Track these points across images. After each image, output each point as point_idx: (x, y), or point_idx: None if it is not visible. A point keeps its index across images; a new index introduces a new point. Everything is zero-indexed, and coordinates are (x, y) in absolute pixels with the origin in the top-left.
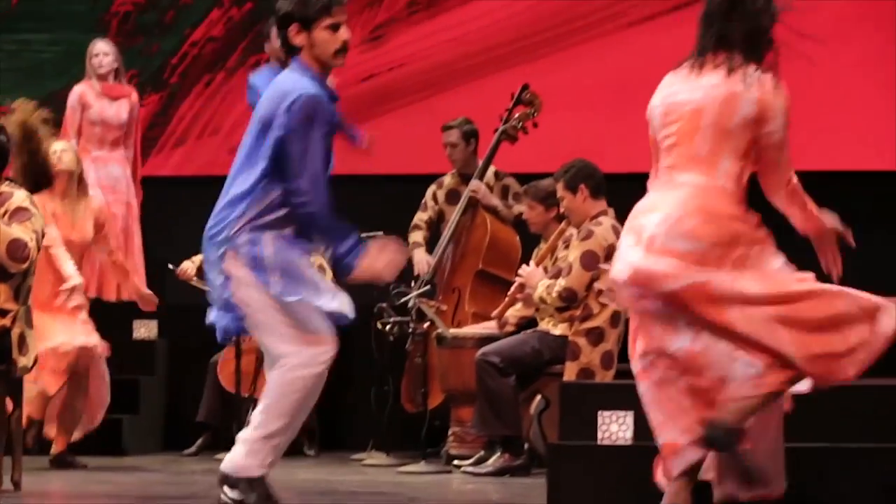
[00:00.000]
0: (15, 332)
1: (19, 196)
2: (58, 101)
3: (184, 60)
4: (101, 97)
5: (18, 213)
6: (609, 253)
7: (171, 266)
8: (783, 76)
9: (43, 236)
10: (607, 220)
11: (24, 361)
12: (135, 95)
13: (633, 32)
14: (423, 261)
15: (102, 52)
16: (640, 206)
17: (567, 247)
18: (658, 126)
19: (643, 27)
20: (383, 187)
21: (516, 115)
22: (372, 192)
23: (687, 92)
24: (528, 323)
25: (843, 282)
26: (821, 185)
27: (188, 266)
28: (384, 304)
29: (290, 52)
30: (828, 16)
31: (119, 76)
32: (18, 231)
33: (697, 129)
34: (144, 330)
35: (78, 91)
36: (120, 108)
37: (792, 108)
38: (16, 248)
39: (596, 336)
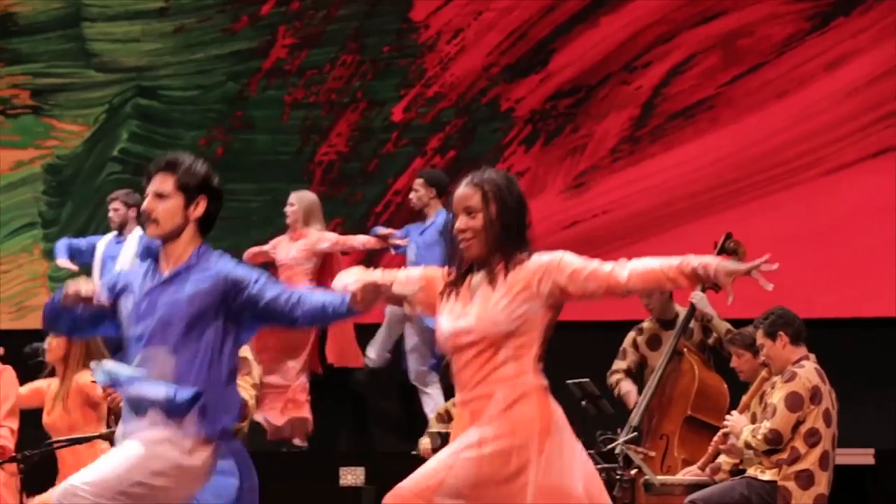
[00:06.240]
0: None
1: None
2: None
3: (388, 209)
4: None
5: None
6: (814, 394)
7: (413, 452)
8: None
9: (261, 384)
10: (809, 364)
11: None
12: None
13: (833, 179)
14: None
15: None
16: None
17: (772, 391)
18: None
19: (842, 174)
20: (584, 333)
21: None
22: (575, 338)
23: None
24: (738, 470)
25: None
26: None
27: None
28: (591, 451)
29: None
30: None
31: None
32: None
33: None
34: (351, 477)
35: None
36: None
37: None
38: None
39: (806, 479)
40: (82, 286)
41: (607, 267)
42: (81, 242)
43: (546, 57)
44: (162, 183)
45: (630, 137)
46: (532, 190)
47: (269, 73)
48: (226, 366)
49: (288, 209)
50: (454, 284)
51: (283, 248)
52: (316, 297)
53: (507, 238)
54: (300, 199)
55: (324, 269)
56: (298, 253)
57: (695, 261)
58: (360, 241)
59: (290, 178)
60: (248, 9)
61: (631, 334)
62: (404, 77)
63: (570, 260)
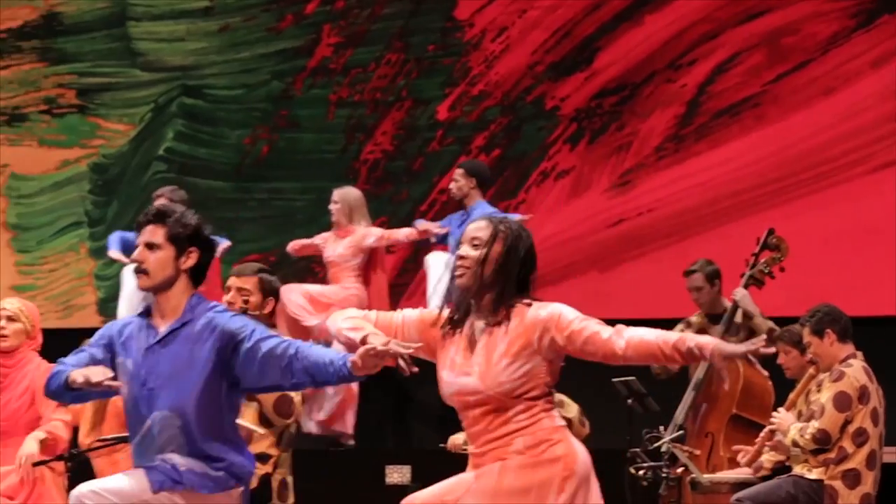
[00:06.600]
0: (276, 479)
1: None
2: None
3: (433, 207)
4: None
5: None
6: (862, 393)
7: (441, 444)
8: None
9: None
10: (857, 362)
11: None
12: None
13: (879, 176)
14: None
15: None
16: None
17: (819, 390)
18: None
19: (888, 171)
20: None
21: (763, 261)
22: None
23: None
24: (781, 468)
25: None
26: None
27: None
28: (637, 450)
29: None
30: None
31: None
32: None
33: None
34: (397, 475)
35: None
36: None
37: None
38: (282, 404)
39: (852, 479)
40: (93, 376)
41: (605, 333)
42: (134, 237)
43: (591, 55)
44: (153, 234)
45: (675, 135)
46: (577, 188)
47: (314, 72)
48: (230, 417)
49: (332, 207)
50: (453, 330)
51: (331, 246)
52: (316, 351)
53: (502, 280)
54: (343, 197)
55: (369, 264)
56: (345, 250)
57: (691, 341)
58: (403, 233)
59: (335, 177)
60: (292, 7)
61: (679, 326)
62: (449, 75)
63: (568, 317)
